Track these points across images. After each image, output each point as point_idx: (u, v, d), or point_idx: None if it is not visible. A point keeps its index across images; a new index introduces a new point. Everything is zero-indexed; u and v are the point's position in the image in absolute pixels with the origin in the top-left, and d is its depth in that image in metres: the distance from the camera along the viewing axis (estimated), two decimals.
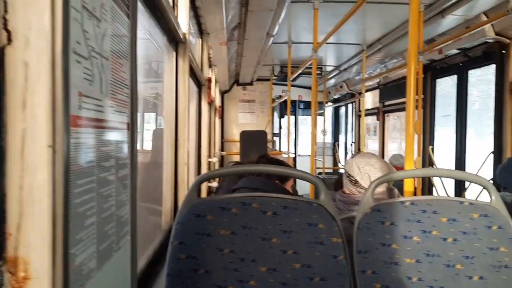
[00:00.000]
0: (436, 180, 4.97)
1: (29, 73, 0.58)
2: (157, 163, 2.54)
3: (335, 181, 3.47)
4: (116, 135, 0.91)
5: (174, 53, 2.30)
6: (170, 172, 2.31)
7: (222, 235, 1.33)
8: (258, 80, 8.98)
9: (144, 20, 1.83)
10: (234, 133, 9.08)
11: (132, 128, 1.03)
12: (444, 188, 4.77)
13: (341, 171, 8.48)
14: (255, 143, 6.19)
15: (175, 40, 2.25)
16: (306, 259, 1.33)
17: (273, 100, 8.86)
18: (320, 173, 7.83)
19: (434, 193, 5.04)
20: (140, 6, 1.60)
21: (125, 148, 0.98)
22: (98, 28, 0.77)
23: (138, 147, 1.87)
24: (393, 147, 7.64)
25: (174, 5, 2.29)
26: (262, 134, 6.70)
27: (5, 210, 0.57)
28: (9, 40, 0.57)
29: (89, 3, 0.71)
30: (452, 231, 1.44)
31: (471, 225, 1.44)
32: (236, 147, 8.76)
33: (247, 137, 6.47)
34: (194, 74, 3.37)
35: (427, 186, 5.53)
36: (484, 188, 1.52)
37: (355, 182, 2.01)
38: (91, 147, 0.74)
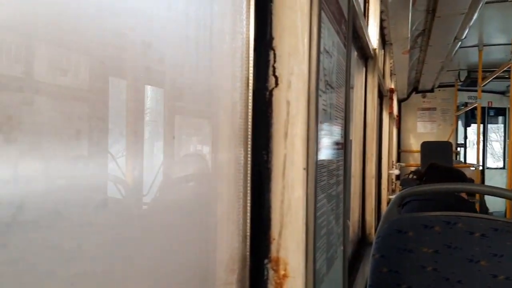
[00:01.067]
0: None
1: (290, 109, 0.71)
2: None
3: None
4: (336, 155, 1.02)
5: (364, 69, 2.37)
6: (358, 185, 2.38)
7: (425, 253, 1.33)
8: (439, 86, 8.38)
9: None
10: (412, 143, 8.65)
11: (345, 147, 1.13)
12: None
13: None
14: (438, 155, 5.81)
15: (365, 56, 2.32)
16: None
17: (458, 108, 8.17)
18: None
19: None
20: None
21: (341, 166, 1.08)
22: (330, 63, 0.88)
23: None
24: None
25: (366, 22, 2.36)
26: (446, 145, 6.24)
27: (270, 219, 0.72)
28: (276, 83, 0.71)
29: (327, 44, 0.83)
30: None
31: None
32: (413, 158, 8.33)
33: (428, 148, 6.12)
34: (378, 85, 3.38)
35: None
36: None
37: None
38: (325, 167, 0.86)
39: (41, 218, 0.41)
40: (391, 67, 4.69)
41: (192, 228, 0.68)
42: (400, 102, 8.64)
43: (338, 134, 1.04)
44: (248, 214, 0.71)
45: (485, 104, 8.51)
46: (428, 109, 8.74)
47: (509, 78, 5.17)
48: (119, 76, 0.46)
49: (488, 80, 5.33)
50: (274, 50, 0.71)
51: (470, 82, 7.11)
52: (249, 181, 0.71)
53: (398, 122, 8.50)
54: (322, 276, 0.84)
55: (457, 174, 2.14)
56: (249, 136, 0.71)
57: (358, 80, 2.40)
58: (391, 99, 4.39)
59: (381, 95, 4.16)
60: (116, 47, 0.45)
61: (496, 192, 1.48)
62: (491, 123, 9.46)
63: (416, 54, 5.33)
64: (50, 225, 0.42)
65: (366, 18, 2.40)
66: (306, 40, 0.69)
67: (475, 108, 6.36)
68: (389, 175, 4.62)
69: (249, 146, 0.71)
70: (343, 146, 1.11)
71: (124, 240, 0.55)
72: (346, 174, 1.13)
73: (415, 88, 8.58)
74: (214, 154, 0.69)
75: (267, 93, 0.72)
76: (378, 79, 2.97)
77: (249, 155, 0.71)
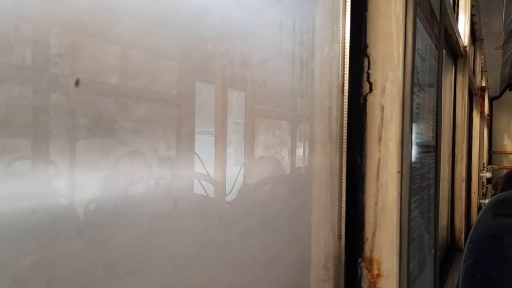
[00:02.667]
0: None
1: (384, 114, 0.73)
2: None
3: None
4: (428, 158, 1.01)
5: (453, 67, 2.27)
6: (446, 188, 2.29)
7: None
8: None
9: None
10: (505, 144, 8.04)
11: (436, 150, 1.11)
12: None
13: None
14: None
15: (455, 54, 2.23)
16: None
17: None
18: None
19: None
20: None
21: (432, 169, 1.07)
22: (423, 67, 0.88)
23: None
24: None
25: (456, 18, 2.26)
26: None
27: (364, 220, 0.74)
28: (370, 89, 0.74)
29: (421, 49, 0.83)
30: None
31: None
32: (508, 160, 7.75)
33: None
34: (468, 84, 3.21)
35: None
36: None
37: None
38: (417, 170, 0.86)
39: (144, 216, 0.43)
40: (482, 63, 4.41)
41: (290, 226, 0.72)
42: (491, 100, 8.07)
43: (429, 137, 1.03)
44: (343, 215, 0.74)
45: None
46: None
47: None
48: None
49: None
50: (368, 57, 0.73)
51: None
52: (344, 183, 0.74)
53: (490, 121, 7.94)
54: (415, 278, 0.84)
55: None
56: (344, 140, 0.74)
57: (447, 79, 2.31)
58: (482, 97, 4.13)
59: (471, 94, 3.94)
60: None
61: None
62: None
63: (510, 49, 4.95)
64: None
65: (456, 14, 2.30)
66: (401, 47, 0.71)
67: None
68: (479, 178, 4.34)
69: (344, 149, 0.74)
70: (434, 148, 1.10)
71: (229, 236, 0.61)
72: (437, 177, 1.11)
73: (508, 85, 7.95)
74: (311, 156, 0.73)
75: (361, 98, 0.74)
76: (469, 77, 2.83)
77: (344, 158, 0.74)
